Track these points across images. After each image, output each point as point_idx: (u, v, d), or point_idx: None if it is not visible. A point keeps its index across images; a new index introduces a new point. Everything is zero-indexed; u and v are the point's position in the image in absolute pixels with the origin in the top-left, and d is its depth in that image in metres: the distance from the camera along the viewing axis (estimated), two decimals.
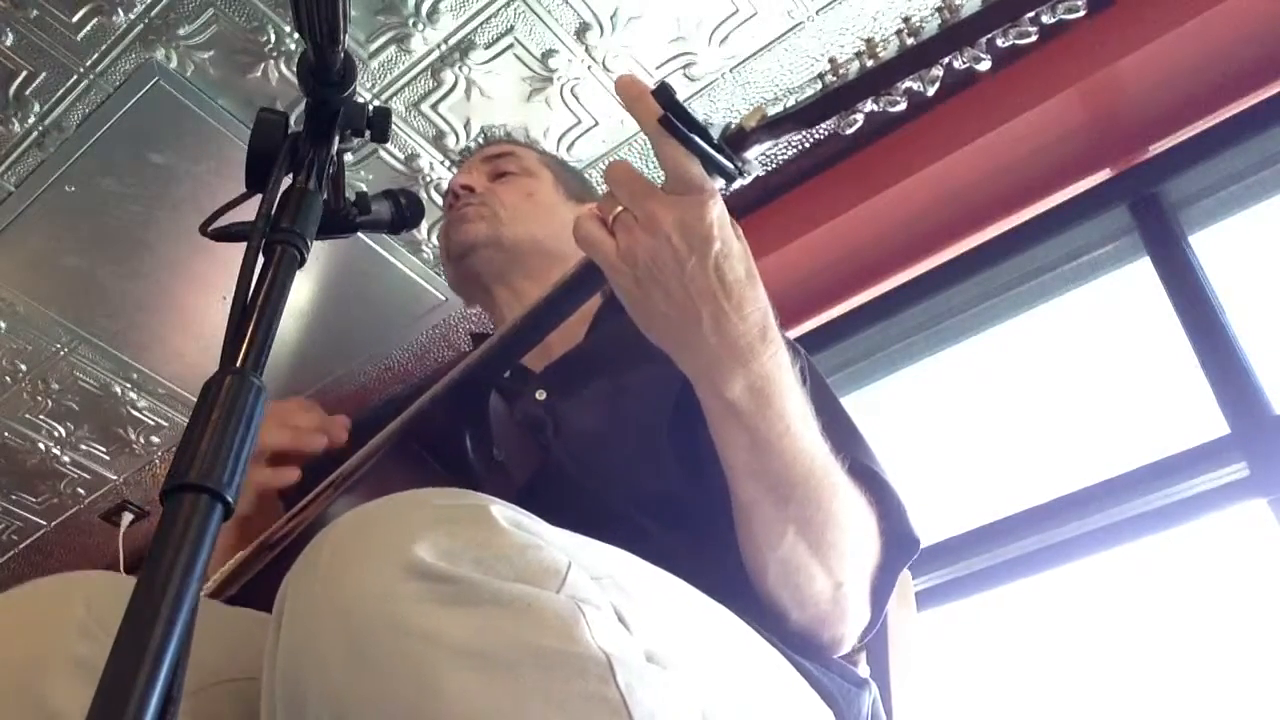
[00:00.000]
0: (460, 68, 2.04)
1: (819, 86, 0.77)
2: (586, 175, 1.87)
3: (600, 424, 1.06)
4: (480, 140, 1.58)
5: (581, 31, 1.99)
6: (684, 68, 2.05)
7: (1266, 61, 1.88)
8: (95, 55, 1.99)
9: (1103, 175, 2.07)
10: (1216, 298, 1.85)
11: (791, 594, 0.89)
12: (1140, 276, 2.00)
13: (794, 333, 2.27)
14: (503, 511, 0.65)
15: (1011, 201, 2.12)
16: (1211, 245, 1.95)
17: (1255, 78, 1.90)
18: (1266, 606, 1.61)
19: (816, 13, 1.95)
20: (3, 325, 2.52)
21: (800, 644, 0.90)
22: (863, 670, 1.01)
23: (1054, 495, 1.84)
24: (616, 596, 0.66)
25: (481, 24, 1.97)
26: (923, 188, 2.11)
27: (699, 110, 2.11)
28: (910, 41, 0.73)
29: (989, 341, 2.19)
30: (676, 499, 0.99)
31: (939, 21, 0.72)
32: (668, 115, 0.75)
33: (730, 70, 2.05)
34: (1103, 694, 1.68)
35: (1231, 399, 1.74)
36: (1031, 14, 0.70)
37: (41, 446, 2.87)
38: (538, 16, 1.96)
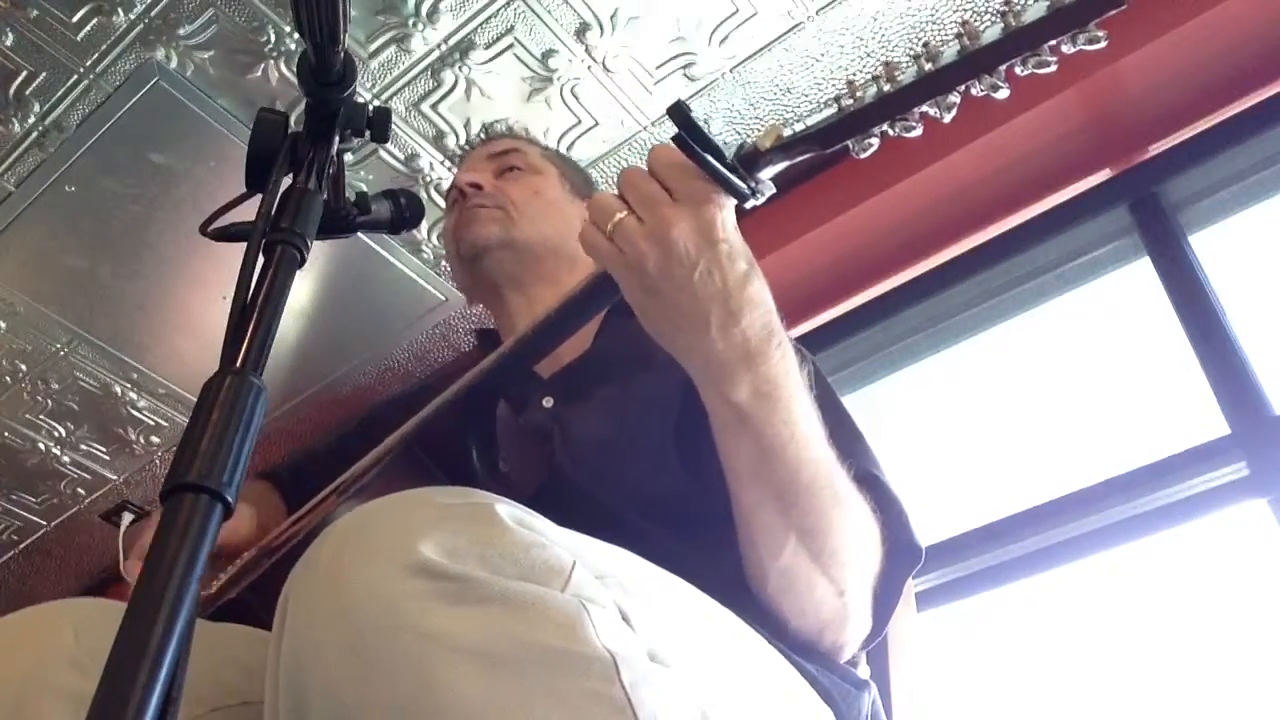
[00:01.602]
0: (460, 68, 2.04)
1: (835, 108, 0.76)
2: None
3: (607, 431, 1.05)
4: (481, 135, 1.54)
5: (581, 31, 1.99)
6: (684, 68, 2.05)
7: (1266, 61, 1.88)
8: (95, 55, 1.99)
9: (1103, 175, 2.07)
10: (1216, 298, 1.85)
11: (792, 602, 0.88)
12: (1140, 276, 1.99)
13: (794, 333, 2.26)
14: (507, 510, 0.65)
15: (1011, 201, 2.12)
16: (1211, 245, 1.95)
17: (1255, 78, 1.90)
18: (1266, 606, 1.61)
19: (816, 13, 1.95)
20: (3, 325, 2.52)
21: (801, 646, 0.89)
22: (863, 671, 1.01)
23: (1054, 495, 1.84)
24: (620, 596, 0.66)
25: (481, 24, 1.97)
26: (923, 188, 2.11)
27: (699, 110, 2.11)
28: (928, 67, 0.72)
29: (989, 341, 2.19)
30: (682, 505, 0.98)
31: (958, 48, 0.71)
32: (682, 134, 0.75)
33: (730, 70, 2.05)
34: (1103, 694, 1.68)
35: (1231, 399, 1.74)
36: (1052, 43, 0.69)
37: (41, 446, 2.87)
38: (538, 16, 1.96)
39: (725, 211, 0.79)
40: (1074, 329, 2.10)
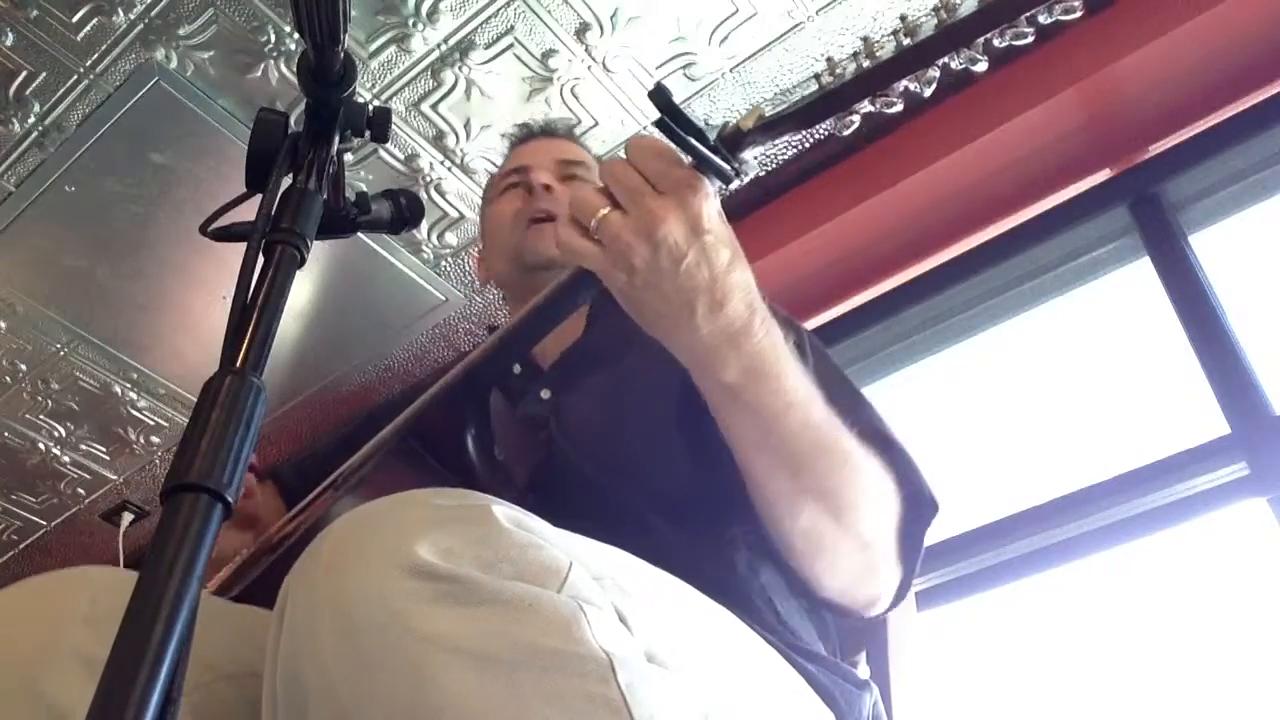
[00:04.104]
0: (460, 68, 2.04)
1: (815, 87, 0.76)
2: None
3: (604, 418, 1.06)
4: (541, 126, 1.48)
5: (581, 31, 1.99)
6: (684, 68, 2.05)
7: (1266, 61, 1.88)
8: (95, 55, 1.99)
9: (1103, 175, 2.07)
10: (1216, 298, 1.85)
11: (821, 562, 0.89)
12: (1140, 276, 1.99)
13: None
14: (504, 511, 0.65)
15: (1011, 201, 2.12)
16: (1211, 245, 1.95)
17: (1255, 78, 1.90)
18: (1266, 605, 1.61)
19: (816, 13, 1.95)
20: (3, 325, 2.52)
21: (802, 646, 0.89)
22: (863, 671, 1.01)
23: (1054, 495, 1.84)
24: (617, 596, 0.66)
25: (481, 24, 1.97)
26: (923, 188, 2.11)
27: (699, 110, 2.11)
28: (907, 42, 0.72)
29: (989, 341, 2.19)
30: (681, 493, 0.99)
31: (935, 22, 0.72)
32: (664, 118, 0.75)
33: (730, 70, 2.05)
34: (1103, 693, 1.68)
35: (1231, 399, 1.74)
36: (1028, 14, 0.69)
37: (41, 446, 2.87)
38: (538, 16, 1.96)
39: (711, 200, 0.78)
40: (1074, 329, 2.11)
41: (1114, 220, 2.07)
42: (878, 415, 1.02)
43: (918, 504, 0.95)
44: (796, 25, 1.97)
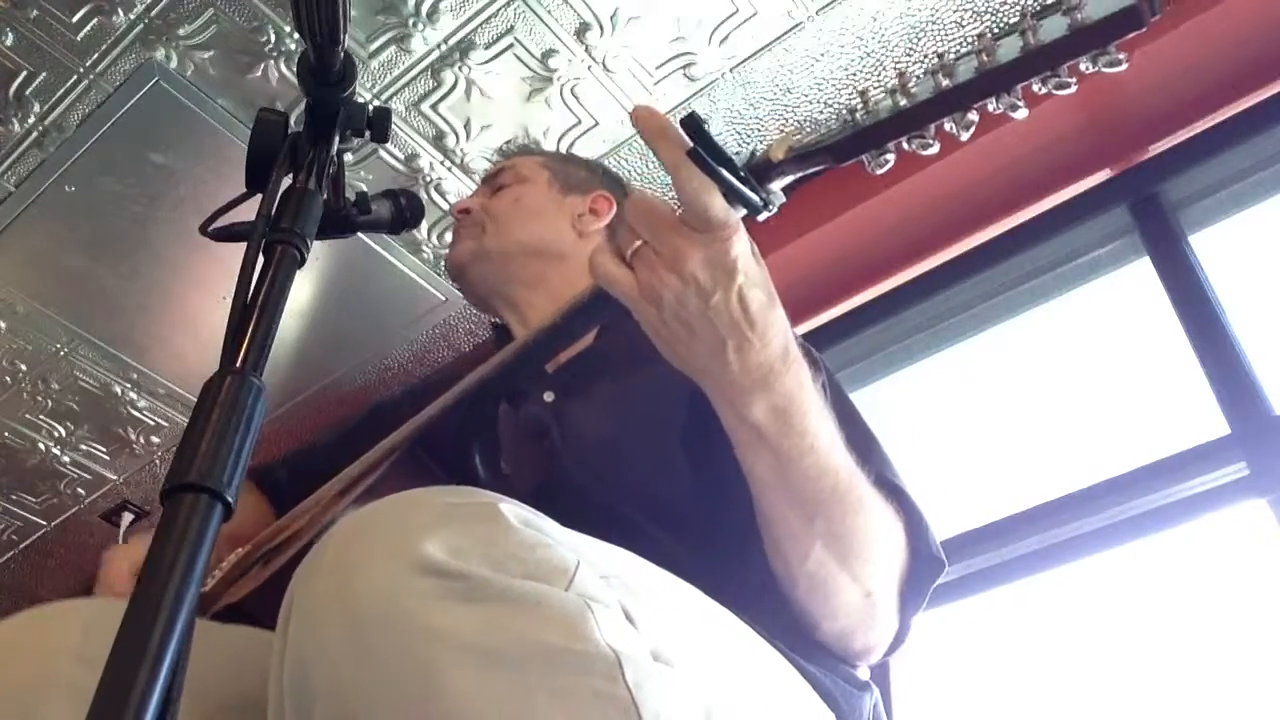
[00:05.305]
0: (460, 68, 2.04)
1: (849, 120, 0.74)
2: None
3: (608, 428, 1.05)
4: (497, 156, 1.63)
5: (581, 31, 1.99)
6: (684, 68, 2.05)
7: (1266, 61, 1.88)
8: (95, 55, 1.99)
9: (1103, 175, 2.07)
10: (1216, 298, 1.85)
11: (821, 605, 0.89)
12: (1140, 276, 1.99)
13: (794, 333, 2.27)
14: (512, 510, 0.65)
15: (1011, 201, 2.12)
16: (1211, 245, 1.95)
17: (1255, 78, 1.90)
18: (1266, 606, 1.61)
19: (816, 13, 1.95)
20: (3, 325, 2.52)
21: (805, 647, 0.90)
22: (863, 672, 1.01)
23: (1054, 495, 1.84)
24: (624, 595, 0.66)
25: (481, 24, 1.97)
26: (923, 188, 2.11)
27: (698, 110, 2.11)
28: (945, 83, 0.70)
29: (989, 341, 2.19)
30: (685, 506, 0.99)
31: (975, 65, 0.69)
32: (696, 149, 0.73)
33: (730, 70, 2.05)
34: (1103, 693, 1.68)
35: (1231, 399, 1.73)
36: (1070, 63, 0.67)
37: (41, 446, 2.87)
38: (538, 16, 1.96)
39: (742, 239, 0.77)
40: (1074, 329, 2.10)
41: (1114, 220, 2.07)
42: (890, 462, 1.02)
43: (924, 560, 0.95)
44: (796, 25, 1.97)
